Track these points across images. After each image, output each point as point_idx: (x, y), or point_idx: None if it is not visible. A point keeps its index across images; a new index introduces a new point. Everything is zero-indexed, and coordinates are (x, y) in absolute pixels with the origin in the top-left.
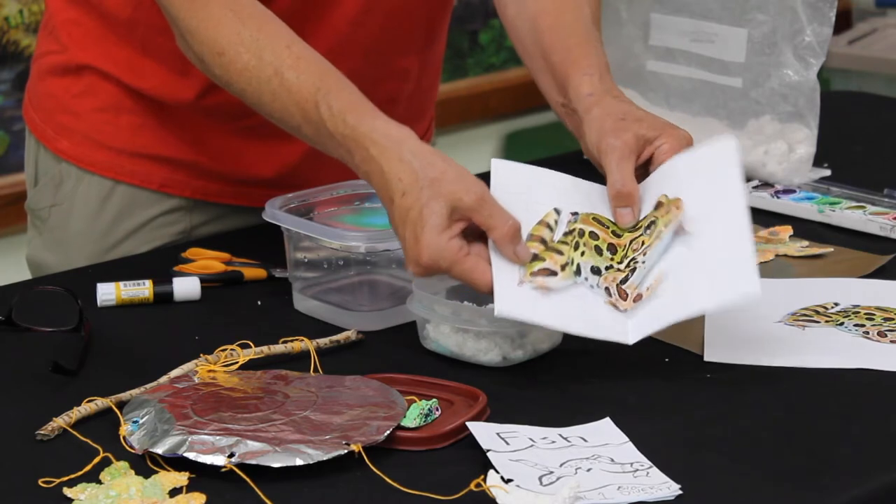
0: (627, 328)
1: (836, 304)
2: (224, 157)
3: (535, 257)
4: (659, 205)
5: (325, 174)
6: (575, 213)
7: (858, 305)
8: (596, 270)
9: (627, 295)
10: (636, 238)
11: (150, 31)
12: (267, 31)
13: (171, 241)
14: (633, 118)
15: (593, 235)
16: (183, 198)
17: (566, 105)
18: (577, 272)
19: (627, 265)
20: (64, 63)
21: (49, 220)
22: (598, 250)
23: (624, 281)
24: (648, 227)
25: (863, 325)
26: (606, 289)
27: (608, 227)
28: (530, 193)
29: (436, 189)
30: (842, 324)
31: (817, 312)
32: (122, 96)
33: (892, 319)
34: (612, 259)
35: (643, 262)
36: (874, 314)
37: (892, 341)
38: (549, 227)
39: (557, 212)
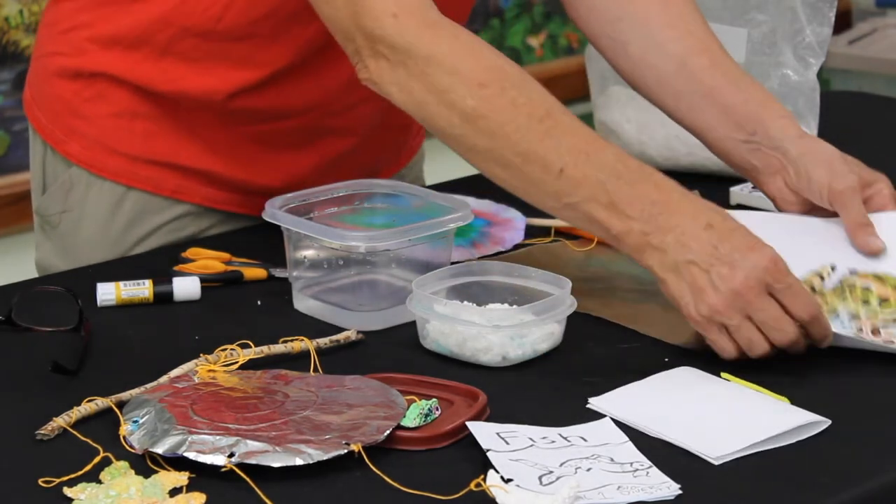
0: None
1: (834, 269)
2: (235, 164)
3: None
4: None
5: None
6: (854, 271)
7: (856, 272)
8: (854, 316)
9: (880, 334)
10: None
11: (181, 33)
12: (527, 75)
13: (181, 246)
14: (853, 162)
15: (866, 290)
16: (193, 204)
17: (753, 142)
18: (836, 316)
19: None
20: (75, 67)
21: (60, 227)
22: (866, 302)
23: (882, 325)
24: None
25: (857, 318)
26: (860, 329)
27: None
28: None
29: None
30: (836, 313)
31: (813, 289)
32: (137, 102)
33: (888, 300)
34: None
35: None
36: (871, 289)
37: (885, 340)
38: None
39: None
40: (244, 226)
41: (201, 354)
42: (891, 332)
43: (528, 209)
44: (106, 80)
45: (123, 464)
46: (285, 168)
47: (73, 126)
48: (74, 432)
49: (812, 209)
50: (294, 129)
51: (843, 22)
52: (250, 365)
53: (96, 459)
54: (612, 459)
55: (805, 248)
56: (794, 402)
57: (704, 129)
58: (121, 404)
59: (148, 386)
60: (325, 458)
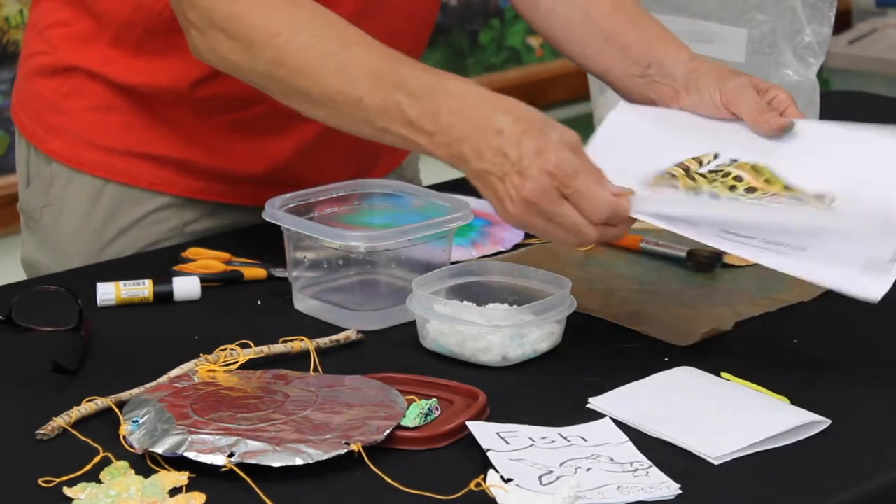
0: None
1: (716, 157)
2: (213, 154)
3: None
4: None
5: (313, 173)
6: (734, 160)
7: (736, 160)
8: (714, 196)
9: None
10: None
11: (147, 34)
12: (322, 14)
13: (164, 238)
14: (742, 74)
15: (738, 178)
16: (172, 195)
17: (648, 76)
18: (697, 193)
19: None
20: (52, 64)
21: (41, 221)
22: (733, 188)
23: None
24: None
25: (717, 198)
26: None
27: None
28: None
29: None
30: (699, 192)
31: (687, 171)
32: (112, 95)
33: (756, 190)
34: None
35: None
36: (742, 178)
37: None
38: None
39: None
40: (230, 219)
41: (201, 354)
42: None
43: None
44: (81, 74)
45: (123, 464)
46: (264, 154)
47: (54, 123)
48: (74, 432)
49: None
50: (265, 114)
51: (843, 22)
52: (250, 365)
53: (96, 459)
54: (611, 459)
55: (691, 137)
56: (794, 402)
57: (606, 70)
58: (121, 404)
59: (148, 386)
60: (325, 457)
